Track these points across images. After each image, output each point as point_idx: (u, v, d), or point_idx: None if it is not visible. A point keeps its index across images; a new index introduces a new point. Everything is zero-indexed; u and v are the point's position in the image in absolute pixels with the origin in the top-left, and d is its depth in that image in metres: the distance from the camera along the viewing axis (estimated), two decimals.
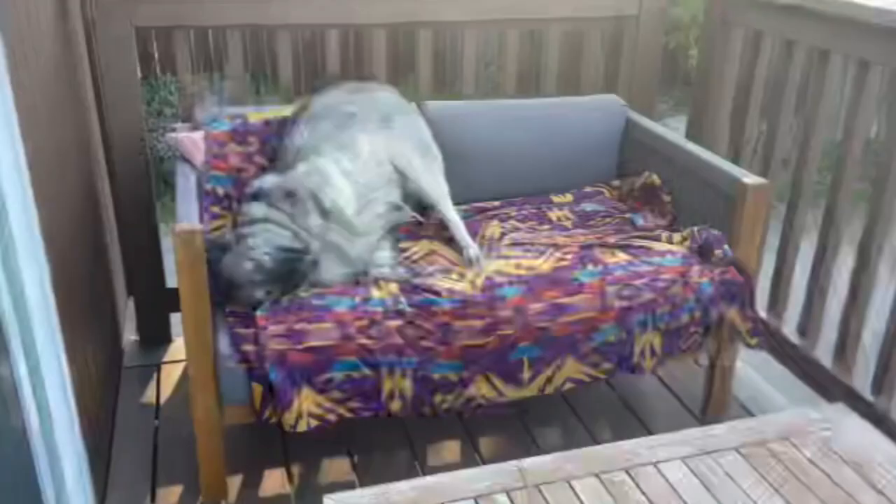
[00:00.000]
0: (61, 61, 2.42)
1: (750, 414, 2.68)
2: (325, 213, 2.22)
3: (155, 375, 2.84)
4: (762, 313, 2.87)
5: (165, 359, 2.94)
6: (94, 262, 2.61)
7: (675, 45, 6.26)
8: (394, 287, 2.22)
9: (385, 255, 2.34)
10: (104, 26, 2.57)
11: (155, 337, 3.02)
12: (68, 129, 2.43)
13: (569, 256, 2.39)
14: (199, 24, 2.70)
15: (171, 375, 2.84)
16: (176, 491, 2.33)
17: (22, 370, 1.61)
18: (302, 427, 2.08)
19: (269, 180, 2.31)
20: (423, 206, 2.53)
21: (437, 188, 2.52)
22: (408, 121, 2.55)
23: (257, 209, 2.24)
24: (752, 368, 2.93)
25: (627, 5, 3.07)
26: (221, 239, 2.20)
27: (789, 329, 2.85)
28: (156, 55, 5.98)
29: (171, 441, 2.50)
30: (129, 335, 3.08)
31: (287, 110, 2.58)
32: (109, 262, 2.93)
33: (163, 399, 2.73)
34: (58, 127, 2.24)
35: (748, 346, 2.45)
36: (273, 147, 2.52)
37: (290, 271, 2.15)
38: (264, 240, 2.15)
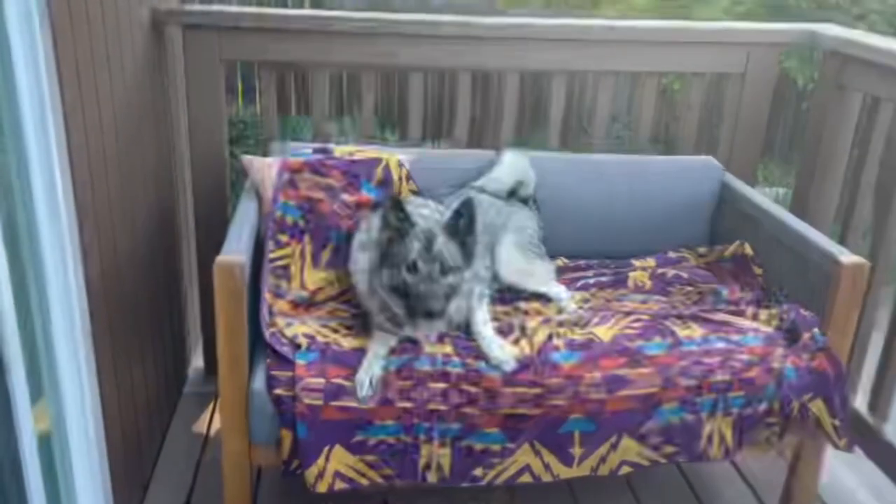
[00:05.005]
0: (147, 94, 2.46)
1: None
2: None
3: (211, 405, 2.82)
4: (862, 409, 2.58)
5: None
6: (157, 289, 2.62)
7: None
8: (448, 346, 2.10)
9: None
10: (191, 56, 2.61)
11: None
12: (146, 160, 2.45)
13: (636, 324, 2.21)
14: (281, 60, 2.70)
15: None
16: None
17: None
18: (321, 488, 1.98)
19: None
20: None
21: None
22: None
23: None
24: (845, 465, 2.61)
25: (733, 63, 2.88)
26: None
27: (893, 431, 2.53)
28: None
29: (210, 472, 2.46)
30: (198, 361, 3.08)
31: (370, 150, 2.54)
32: (181, 288, 2.95)
33: (213, 429, 2.70)
34: (131, 158, 2.27)
35: (835, 447, 2.17)
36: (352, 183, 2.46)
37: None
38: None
